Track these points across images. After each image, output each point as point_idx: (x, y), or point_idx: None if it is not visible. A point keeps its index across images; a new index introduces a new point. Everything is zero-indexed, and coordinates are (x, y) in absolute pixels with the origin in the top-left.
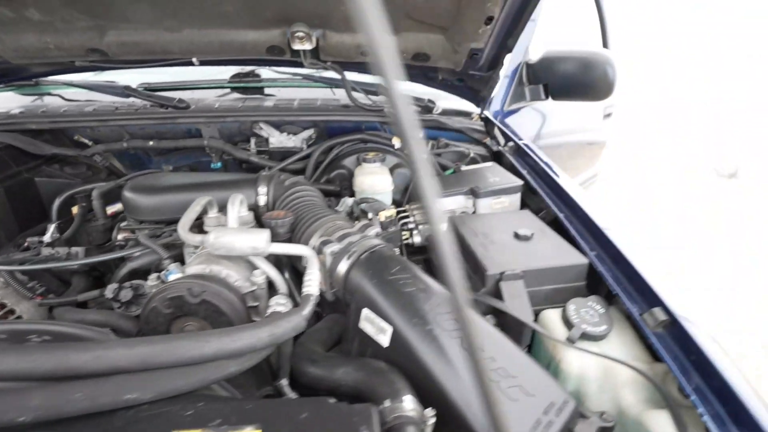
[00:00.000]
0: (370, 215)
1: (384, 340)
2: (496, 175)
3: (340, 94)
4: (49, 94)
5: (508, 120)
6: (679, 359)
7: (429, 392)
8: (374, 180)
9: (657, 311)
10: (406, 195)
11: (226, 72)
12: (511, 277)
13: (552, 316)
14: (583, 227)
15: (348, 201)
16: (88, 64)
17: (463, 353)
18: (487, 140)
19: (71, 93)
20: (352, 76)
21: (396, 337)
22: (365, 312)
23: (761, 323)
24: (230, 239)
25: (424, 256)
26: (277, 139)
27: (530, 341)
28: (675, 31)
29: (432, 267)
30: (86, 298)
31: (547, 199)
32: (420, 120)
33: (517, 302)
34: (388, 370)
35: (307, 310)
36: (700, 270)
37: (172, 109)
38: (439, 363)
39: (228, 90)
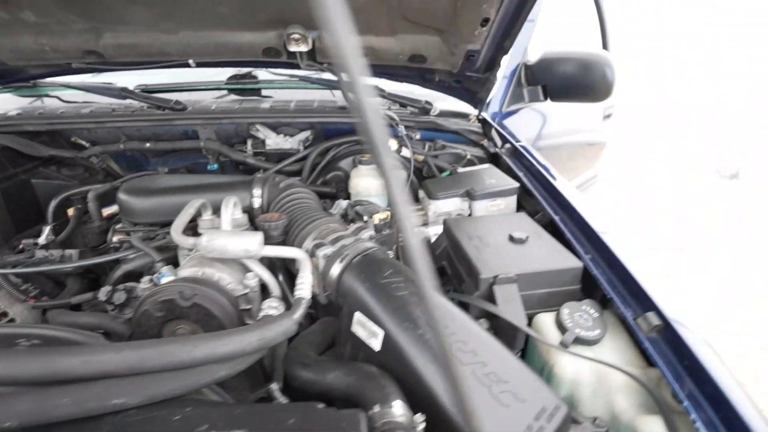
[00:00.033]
0: (365, 218)
1: (376, 344)
2: (492, 177)
3: (338, 96)
4: (47, 95)
5: (507, 121)
6: (673, 364)
7: (420, 397)
8: (370, 182)
9: (651, 316)
10: None
11: (223, 73)
12: (504, 280)
13: (546, 320)
14: (578, 230)
15: (342, 203)
16: (85, 66)
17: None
18: (485, 142)
19: (69, 95)
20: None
21: (387, 341)
22: (357, 315)
23: (760, 324)
24: (223, 242)
25: None
26: (274, 141)
27: (524, 345)
28: (674, 30)
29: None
30: (79, 301)
31: (542, 202)
32: (417, 121)
33: (510, 306)
34: (379, 375)
35: (298, 313)
36: (702, 271)
37: (169, 110)
38: (430, 367)
39: (225, 91)
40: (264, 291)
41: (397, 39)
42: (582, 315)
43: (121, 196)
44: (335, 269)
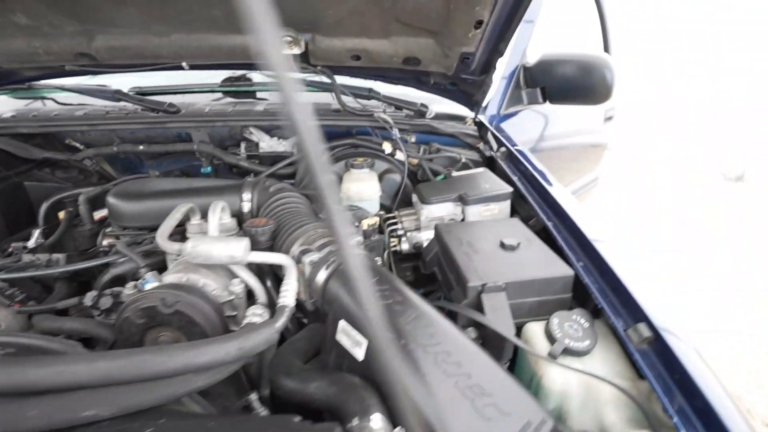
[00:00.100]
0: (356, 224)
1: (359, 354)
2: (486, 181)
3: (333, 98)
4: (43, 97)
5: (508, 123)
6: (663, 378)
7: (402, 409)
8: (361, 187)
9: (641, 327)
10: (396, 201)
11: (218, 76)
12: (492, 289)
13: (535, 330)
14: (571, 237)
15: None
16: (78, 69)
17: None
18: (480, 145)
19: (63, 97)
20: (344, 80)
21: (371, 351)
22: (342, 324)
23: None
24: (207, 248)
25: (413, 263)
26: (268, 144)
27: (513, 355)
28: (674, 28)
29: (420, 274)
30: (65, 306)
31: (536, 207)
32: (412, 124)
33: (498, 315)
34: (360, 387)
35: (281, 322)
36: (705, 273)
37: (163, 113)
38: (413, 379)
39: (220, 94)
40: (251, 297)
41: (390, 41)
42: (572, 325)
43: (110, 199)
44: (321, 276)
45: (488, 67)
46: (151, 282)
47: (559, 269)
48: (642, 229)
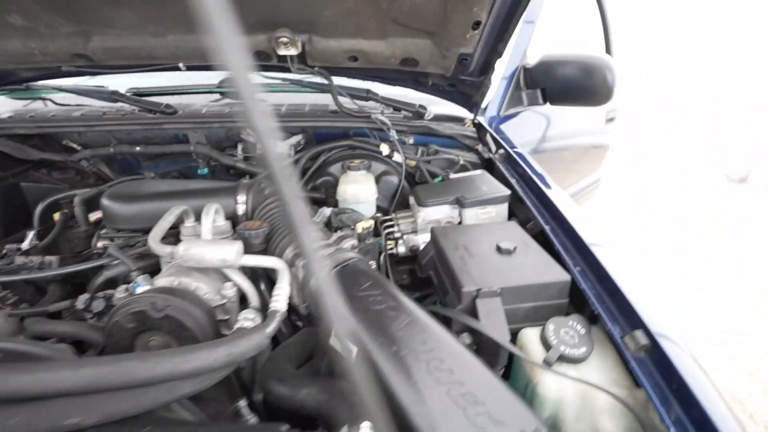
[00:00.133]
0: (351, 227)
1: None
2: (484, 183)
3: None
4: (40, 98)
5: (510, 124)
6: (660, 387)
7: (393, 416)
8: (358, 189)
9: (638, 334)
10: (393, 203)
11: (216, 77)
12: (487, 294)
13: (531, 336)
14: (568, 241)
15: (326, 211)
16: (75, 69)
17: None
18: (479, 147)
19: (61, 97)
20: (342, 81)
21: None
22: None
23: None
24: (199, 251)
25: (410, 266)
26: None
27: (508, 362)
28: (676, 28)
29: (416, 278)
30: (57, 309)
31: (533, 210)
32: (410, 126)
33: (493, 321)
34: (351, 394)
35: (271, 327)
36: (707, 273)
37: (160, 114)
38: (404, 386)
39: (219, 95)
40: (244, 301)
41: (387, 42)
42: (568, 331)
43: (105, 201)
44: (314, 280)
45: (487, 68)
46: (142, 285)
47: (556, 274)
48: (645, 229)
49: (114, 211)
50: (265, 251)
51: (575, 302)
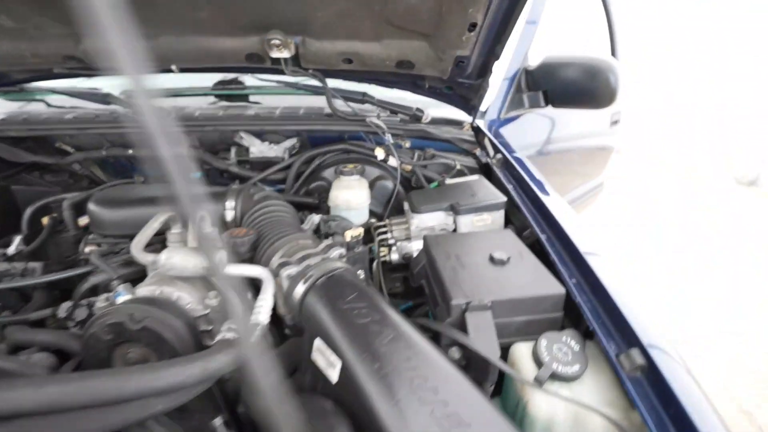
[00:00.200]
0: (344, 234)
1: (333, 375)
2: (480, 189)
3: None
4: (34, 99)
5: (512, 126)
6: (656, 410)
7: None
8: (350, 195)
9: (634, 353)
10: (388, 208)
11: (211, 79)
12: (477, 307)
13: (523, 351)
14: (564, 251)
15: (315, 218)
16: (67, 71)
17: None
18: (477, 151)
19: (55, 99)
20: (339, 84)
21: (344, 373)
22: (317, 343)
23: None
24: (182, 259)
25: (403, 273)
26: (258, 149)
27: (499, 377)
28: (684, 28)
29: (410, 286)
30: (39, 317)
31: (530, 218)
32: (406, 129)
33: (482, 336)
34: (331, 413)
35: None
36: (716, 274)
37: None
38: (386, 405)
39: (214, 97)
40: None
41: (382, 44)
42: (561, 347)
43: (91, 206)
44: (298, 290)
45: (485, 71)
46: (122, 295)
47: (550, 287)
48: (649, 231)
49: (101, 216)
50: (251, 259)
51: (570, 316)
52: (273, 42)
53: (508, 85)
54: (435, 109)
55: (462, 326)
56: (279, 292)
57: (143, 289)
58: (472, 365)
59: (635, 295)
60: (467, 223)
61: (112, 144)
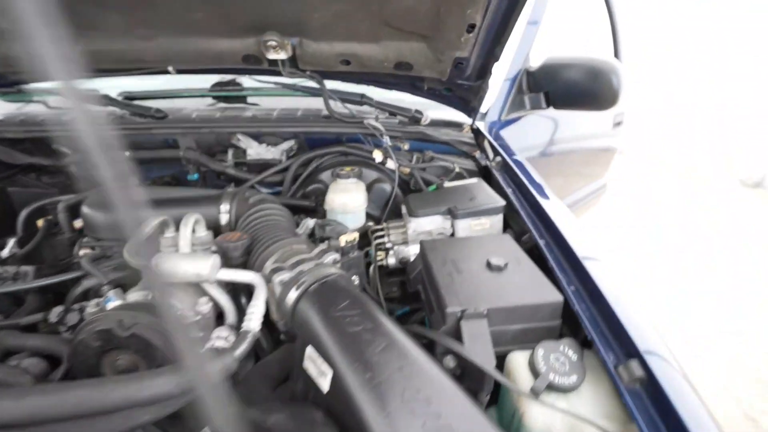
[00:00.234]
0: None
1: (324, 384)
2: (479, 193)
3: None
4: (32, 101)
5: (513, 128)
6: (655, 423)
7: None
8: (346, 198)
9: (633, 365)
10: (385, 211)
11: (208, 81)
12: (473, 315)
13: (519, 360)
14: (563, 257)
15: (309, 222)
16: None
17: None
18: (477, 154)
19: (54, 100)
20: (338, 85)
21: (335, 382)
22: (309, 351)
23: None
24: (172, 265)
25: (401, 278)
26: (255, 151)
27: (496, 387)
28: (678, 25)
29: (407, 291)
30: (29, 322)
31: (528, 223)
32: (405, 131)
33: (478, 345)
34: (321, 423)
35: (241, 350)
36: (722, 274)
37: (150, 118)
38: (377, 417)
39: (212, 99)
40: (222, 316)
41: (380, 46)
42: (558, 357)
43: (84, 209)
44: (291, 297)
45: (484, 72)
46: (113, 300)
47: (548, 294)
48: (652, 232)
49: (94, 219)
50: (245, 264)
51: (568, 324)
52: (269, 43)
53: (509, 87)
54: (434, 110)
55: (457, 334)
56: (272, 298)
57: (134, 295)
58: (467, 375)
59: (635, 302)
60: (465, 227)
61: None
